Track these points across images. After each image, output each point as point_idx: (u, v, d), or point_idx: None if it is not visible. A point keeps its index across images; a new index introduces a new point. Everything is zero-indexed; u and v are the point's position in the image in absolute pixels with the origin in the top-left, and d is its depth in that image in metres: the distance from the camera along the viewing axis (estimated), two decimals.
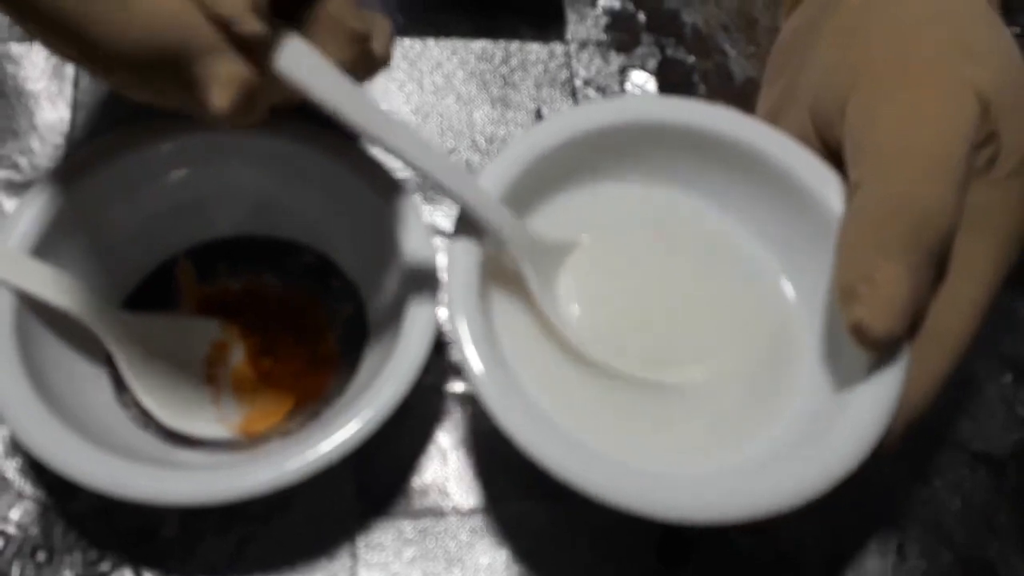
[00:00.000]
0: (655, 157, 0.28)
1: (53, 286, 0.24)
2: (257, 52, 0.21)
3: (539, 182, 0.27)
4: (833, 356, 0.26)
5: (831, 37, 0.27)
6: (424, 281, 0.26)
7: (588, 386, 0.25)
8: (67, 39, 0.21)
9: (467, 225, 0.25)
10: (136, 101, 0.23)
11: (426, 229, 0.27)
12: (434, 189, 0.25)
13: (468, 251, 0.25)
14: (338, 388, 0.27)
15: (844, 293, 0.23)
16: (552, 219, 0.28)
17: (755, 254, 0.28)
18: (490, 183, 0.26)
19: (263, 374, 0.27)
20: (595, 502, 0.22)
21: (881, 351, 0.23)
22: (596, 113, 0.28)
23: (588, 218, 0.28)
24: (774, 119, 0.29)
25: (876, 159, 0.24)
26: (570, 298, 0.27)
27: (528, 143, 0.27)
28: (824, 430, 0.23)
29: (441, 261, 0.26)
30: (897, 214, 0.23)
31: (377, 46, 0.25)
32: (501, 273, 0.26)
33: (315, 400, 0.27)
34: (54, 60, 0.33)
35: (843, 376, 0.25)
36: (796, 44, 0.30)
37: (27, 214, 0.25)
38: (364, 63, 0.25)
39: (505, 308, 0.26)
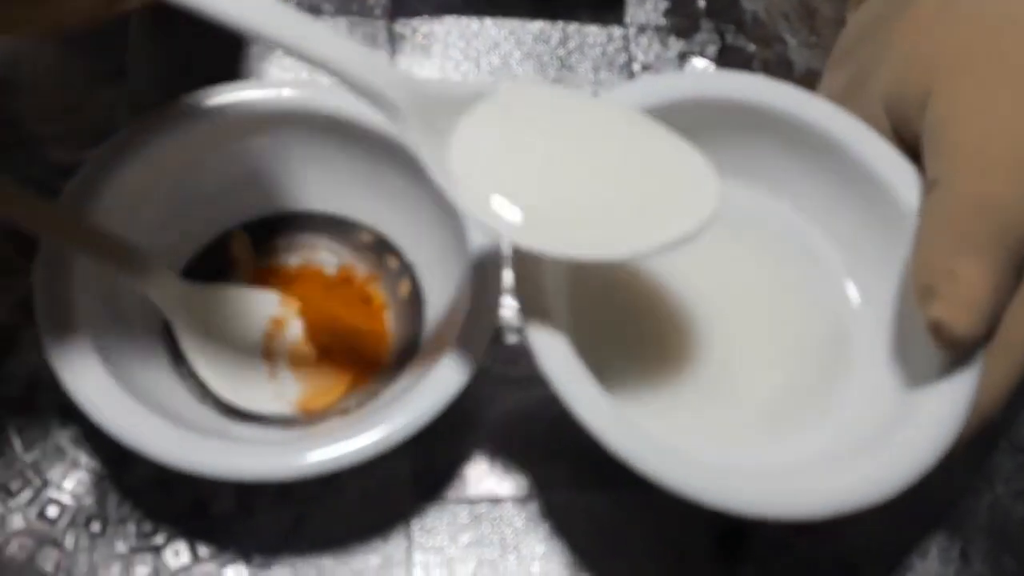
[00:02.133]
0: (713, 139, 0.27)
1: (114, 253, 0.24)
2: None
3: None
4: (899, 356, 0.25)
5: (911, 28, 0.27)
6: (486, 264, 0.25)
7: (645, 372, 0.25)
8: None
9: None
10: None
11: None
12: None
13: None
14: (395, 367, 0.27)
15: (922, 290, 0.23)
16: None
17: (816, 244, 0.27)
18: None
19: (321, 351, 0.27)
20: (665, 492, 0.22)
21: (959, 352, 0.23)
22: (658, 87, 0.26)
23: None
24: (840, 106, 0.28)
25: (958, 156, 0.24)
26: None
27: None
28: (892, 433, 0.23)
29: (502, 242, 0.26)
30: (981, 213, 0.23)
31: None
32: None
33: (372, 378, 0.27)
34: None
35: (911, 378, 0.24)
36: (868, 33, 0.30)
37: (87, 182, 0.25)
38: None
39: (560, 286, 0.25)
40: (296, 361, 0.27)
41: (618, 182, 0.22)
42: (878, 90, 0.27)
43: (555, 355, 0.22)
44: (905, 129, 0.26)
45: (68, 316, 0.23)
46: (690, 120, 0.27)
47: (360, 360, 0.27)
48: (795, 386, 0.25)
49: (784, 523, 0.22)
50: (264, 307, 0.27)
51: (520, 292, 0.23)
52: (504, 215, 0.21)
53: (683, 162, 0.22)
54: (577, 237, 0.21)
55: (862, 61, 0.29)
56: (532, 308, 0.23)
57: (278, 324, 0.27)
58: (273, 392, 0.26)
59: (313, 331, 0.27)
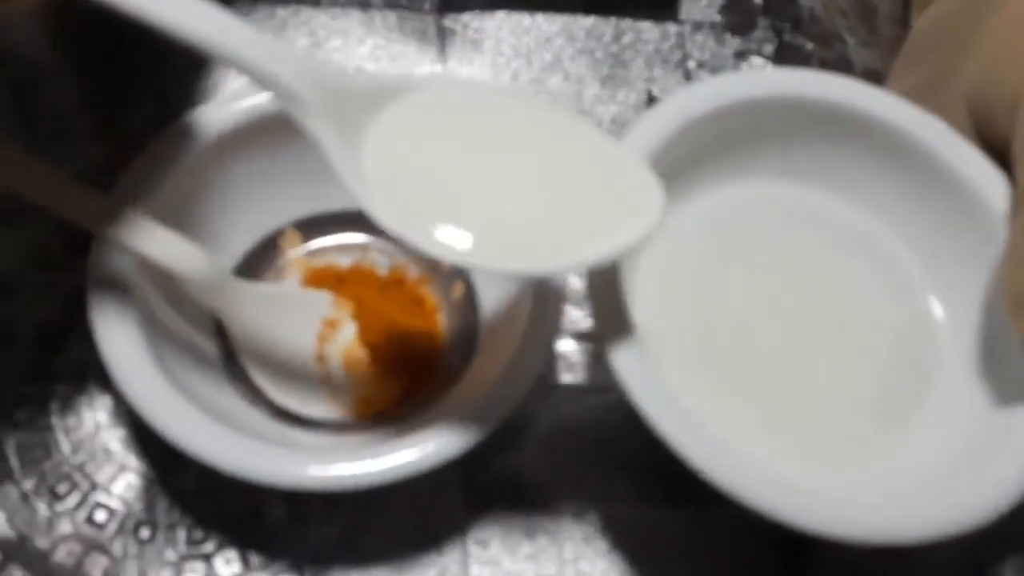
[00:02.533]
0: (788, 145, 0.26)
1: (170, 249, 0.23)
2: None
3: (672, 171, 0.25)
4: (987, 372, 0.24)
5: (1003, 26, 0.25)
6: None
7: (726, 384, 0.24)
8: None
9: None
10: None
11: None
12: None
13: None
14: (450, 371, 0.26)
15: (1015, 302, 0.22)
16: (684, 217, 0.26)
17: (895, 253, 0.26)
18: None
19: (374, 354, 0.26)
20: (731, 508, 0.21)
21: None
22: (727, 86, 0.25)
23: (716, 218, 0.26)
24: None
25: None
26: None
27: (660, 118, 0.24)
28: (983, 457, 0.22)
29: None
30: None
31: None
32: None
33: (426, 382, 0.26)
34: None
35: (1001, 396, 0.23)
36: (945, 33, 0.29)
37: (141, 177, 0.24)
38: None
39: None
40: (350, 364, 0.26)
41: (555, 190, 0.20)
42: (960, 90, 0.26)
43: (633, 364, 0.21)
44: (990, 130, 0.25)
45: (121, 316, 0.22)
46: (760, 122, 0.26)
47: (414, 363, 0.26)
48: (875, 403, 0.24)
49: (862, 546, 0.21)
50: (317, 308, 0.26)
51: (595, 297, 0.22)
52: (420, 226, 0.19)
53: (623, 166, 0.20)
54: (507, 249, 0.19)
55: (940, 61, 0.28)
56: (607, 315, 0.22)
57: (331, 326, 0.26)
58: (327, 396, 0.26)
59: (366, 333, 0.26)
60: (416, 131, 0.19)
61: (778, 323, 0.25)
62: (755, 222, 0.26)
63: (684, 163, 0.25)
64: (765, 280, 0.25)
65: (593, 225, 0.19)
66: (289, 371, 0.25)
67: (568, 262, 0.20)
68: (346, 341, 0.26)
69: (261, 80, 0.19)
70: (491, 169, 0.19)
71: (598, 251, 0.19)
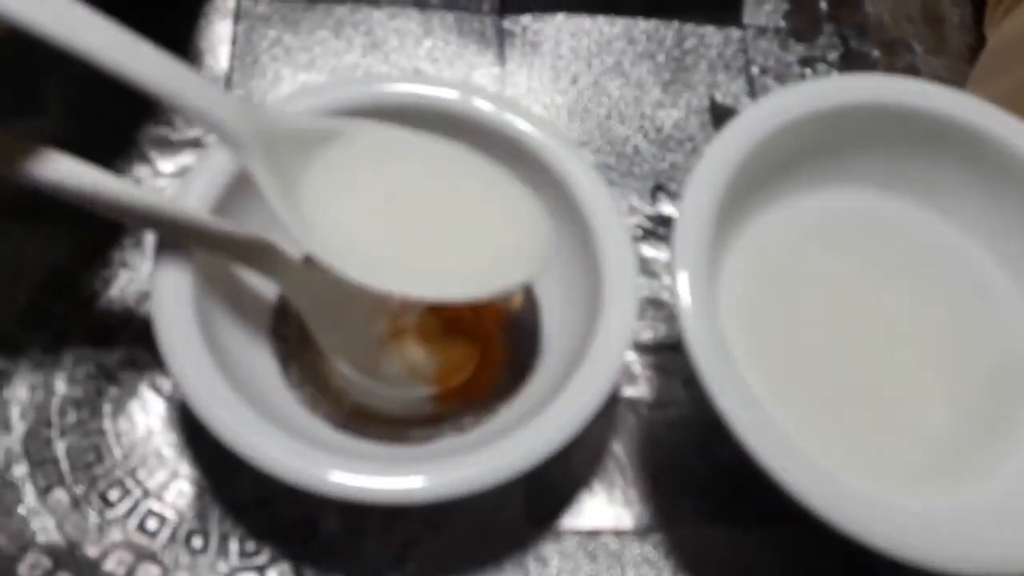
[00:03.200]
0: (873, 155, 0.25)
1: (237, 245, 0.23)
2: None
3: (750, 183, 0.24)
4: None
5: None
6: (618, 277, 0.23)
7: (810, 401, 0.23)
8: None
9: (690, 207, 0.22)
10: None
11: (621, 218, 0.24)
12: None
13: (697, 235, 0.22)
14: (511, 381, 0.25)
15: None
16: (763, 230, 0.25)
17: (988, 272, 0.25)
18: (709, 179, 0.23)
19: (448, 324, 0.26)
20: (802, 530, 0.20)
21: None
22: (808, 94, 0.24)
23: (795, 230, 0.25)
24: None
25: None
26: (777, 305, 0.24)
27: (744, 130, 0.23)
28: None
29: (634, 254, 0.24)
30: None
31: None
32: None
33: (487, 385, 0.25)
34: (212, 15, 0.32)
35: None
36: None
37: (206, 172, 0.23)
38: None
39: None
40: (425, 335, 0.25)
41: (457, 227, 0.22)
42: None
43: (722, 377, 0.20)
44: None
45: (184, 319, 0.21)
46: (849, 131, 0.25)
47: (480, 336, 0.26)
48: (967, 427, 0.23)
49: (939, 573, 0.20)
50: None
51: (684, 305, 0.21)
52: (346, 258, 0.21)
53: (521, 208, 0.23)
54: (415, 278, 0.21)
55: None
56: (698, 325, 0.21)
57: (401, 302, 0.26)
58: (408, 369, 0.25)
59: (435, 311, 0.26)
60: (346, 173, 0.22)
61: (868, 340, 0.24)
62: (843, 233, 0.25)
63: (771, 171, 0.24)
64: (853, 294, 0.24)
65: (495, 262, 0.22)
66: (368, 352, 0.25)
67: (471, 292, 0.22)
68: (419, 313, 0.26)
69: (204, 124, 0.20)
70: (410, 208, 0.22)
71: (495, 286, 0.22)
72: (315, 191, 0.21)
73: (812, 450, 0.20)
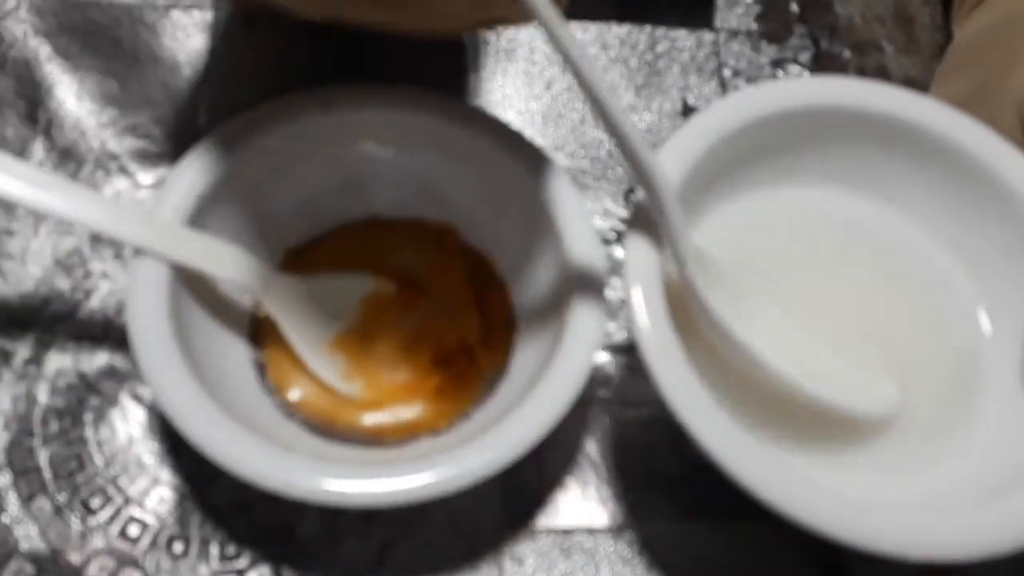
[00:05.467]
0: (828, 153, 0.26)
1: (209, 255, 0.23)
2: None
3: (707, 180, 0.25)
4: None
5: None
6: (588, 279, 0.24)
7: (767, 399, 0.23)
8: None
9: (643, 219, 0.23)
10: (304, 19, 0.21)
11: (589, 221, 0.25)
12: (627, 162, 0.22)
13: (648, 248, 0.23)
14: (486, 384, 0.25)
15: None
16: (721, 224, 0.25)
17: (943, 266, 0.25)
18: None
19: (410, 342, 0.26)
20: (774, 525, 0.20)
21: None
22: (770, 98, 0.25)
23: (755, 225, 0.26)
24: None
25: None
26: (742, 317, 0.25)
27: (697, 131, 0.24)
28: None
29: (603, 256, 0.24)
30: None
31: None
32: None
33: (462, 391, 0.26)
34: (190, 27, 0.32)
35: None
36: (995, 40, 0.28)
37: (180, 185, 0.24)
38: None
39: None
40: (394, 338, 0.26)
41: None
42: (1012, 94, 0.25)
43: (675, 378, 0.21)
44: None
45: (159, 327, 0.22)
46: (806, 130, 0.25)
47: (448, 376, 0.26)
48: (924, 418, 0.23)
49: (909, 564, 0.20)
50: (357, 288, 0.26)
51: (635, 311, 0.22)
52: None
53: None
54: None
55: (988, 69, 0.27)
56: (649, 328, 0.21)
57: (374, 304, 0.26)
58: (370, 372, 0.26)
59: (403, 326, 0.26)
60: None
61: (827, 334, 0.24)
62: (803, 229, 0.26)
63: (725, 168, 0.25)
64: (813, 289, 0.25)
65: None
66: (335, 353, 0.26)
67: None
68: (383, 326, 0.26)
69: (664, 223, 0.22)
70: (813, 318, 0.25)
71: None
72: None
73: (771, 447, 0.20)
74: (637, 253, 0.23)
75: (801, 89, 0.26)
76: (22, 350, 0.26)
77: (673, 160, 0.24)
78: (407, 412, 0.25)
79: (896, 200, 0.26)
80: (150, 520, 0.24)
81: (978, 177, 0.24)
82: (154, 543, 0.24)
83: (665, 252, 0.23)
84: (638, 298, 0.22)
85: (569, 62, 0.21)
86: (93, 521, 0.24)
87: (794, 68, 0.35)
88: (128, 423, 0.25)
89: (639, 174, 0.22)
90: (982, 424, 0.23)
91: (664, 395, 0.21)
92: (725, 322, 0.23)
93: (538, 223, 0.25)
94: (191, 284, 0.23)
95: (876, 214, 0.26)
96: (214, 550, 0.24)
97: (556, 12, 0.20)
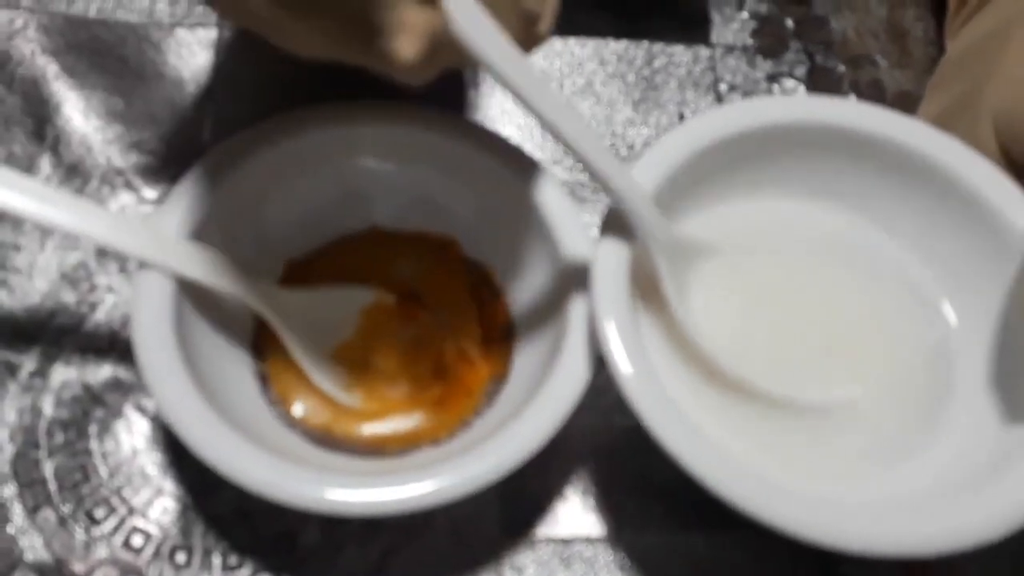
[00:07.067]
0: (803, 165, 0.26)
1: (212, 269, 0.23)
2: (439, 7, 0.20)
3: (685, 188, 0.25)
4: (1002, 382, 0.23)
5: None
6: (585, 290, 0.24)
7: (735, 405, 0.24)
8: None
9: (616, 224, 0.24)
10: (308, 58, 0.22)
11: (586, 233, 0.25)
12: (591, 178, 0.24)
13: (619, 252, 0.23)
14: (486, 394, 0.26)
15: None
16: (699, 230, 0.26)
17: (911, 267, 0.26)
18: (641, 179, 0.24)
19: (409, 352, 0.27)
20: (764, 532, 0.20)
21: None
22: (748, 113, 0.26)
23: (731, 231, 0.26)
24: (943, 128, 0.27)
25: None
26: (711, 310, 0.25)
27: (678, 141, 0.25)
28: (1000, 467, 0.21)
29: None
30: None
31: (542, 27, 0.23)
32: (639, 278, 0.25)
33: (462, 400, 0.26)
34: (194, 46, 0.33)
35: (1018, 410, 0.22)
36: (975, 53, 0.28)
37: (184, 199, 0.24)
38: (527, 40, 0.23)
39: (644, 318, 0.24)
40: (387, 360, 0.27)
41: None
42: (988, 108, 0.25)
43: (647, 391, 0.21)
44: (1016, 148, 0.25)
45: (163, 340, 0.22)
46: (781, 144, 0.26)
47: (448, 386, 0.26)
48: (894, 415, 0.24)
49: (890, 561, 0.21)
50: (357, 300, 0.27)
51: (604, 325, 0.22)
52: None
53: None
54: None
55: (969, 80, 0.27)
56: (620, 341, 0.22)
57: (374, 316, 0.27)
58: (372, 383, 0.26)
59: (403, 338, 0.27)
60: (727, 285, 0.26)
61: (799, 341, 0.25)
62: (776, 238, 0.26)
63: (704, 177, 0.25)
64: (785, 296, 0.25)
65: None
66: (336, 364, 0.26)
67: None
68: (384, 339, 0.27)
69: (636, 224, 0.23)
70: (782, 315, 0.26)
71: None
72: (707, 302, 0.24)
73: (746, 456, 0.21)
74: (606, 269, 0.23)
75: (777, 106, 0.26)
76: (28, 363, 0.26)
77: (652, 166, 0.24)
78: (408, 422, 0.26)
79: (868, 211, 0.27)
80: (153, 530, 0.24)
81: (946, 186, 0.25)
82: (157, 553, 0.24)
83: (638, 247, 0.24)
84: (612, 332, 0.22)
85: (508, 89, 0.21)
86: (97, 531, 0.24)
87: (789, 83, 0.36)
88: (132, 434, 0.25)
89: (598, 178, 0.23)
90: (949, 422, 0.24)
91: (636, 411, 0.21)
92: (681, 313, 0.24)
93: (536, 235, 0.26)
94: (194, 297, 0.24)
95: (849, 224, 0.27)
96: (216, 560, 0.24)
97: (491, 40, 0.20)
